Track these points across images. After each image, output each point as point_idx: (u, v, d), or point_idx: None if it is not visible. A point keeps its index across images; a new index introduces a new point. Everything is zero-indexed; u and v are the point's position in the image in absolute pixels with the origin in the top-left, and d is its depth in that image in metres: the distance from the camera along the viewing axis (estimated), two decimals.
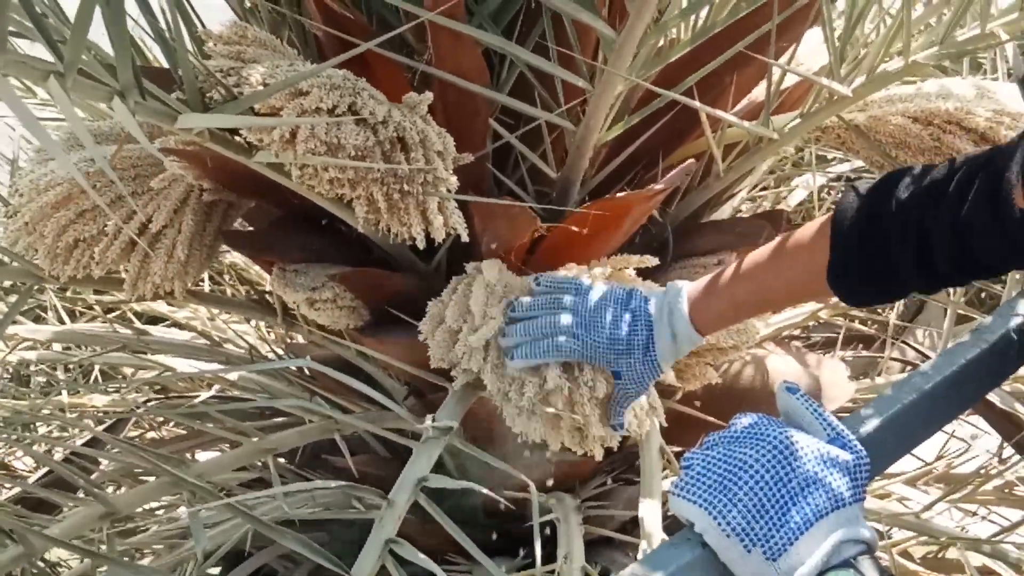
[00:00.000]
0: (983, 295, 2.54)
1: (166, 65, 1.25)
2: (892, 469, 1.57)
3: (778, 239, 1.23)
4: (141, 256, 1.50)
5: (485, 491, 1.24)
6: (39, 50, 1.07)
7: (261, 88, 1.17)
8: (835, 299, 1.23)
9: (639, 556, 1.43)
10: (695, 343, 1.28)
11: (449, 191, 1.28)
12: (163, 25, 1.24)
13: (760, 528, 0.89)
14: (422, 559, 1.19)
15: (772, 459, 0.92)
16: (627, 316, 1.28)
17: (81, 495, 1.52)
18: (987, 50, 1.46)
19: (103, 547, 1.41)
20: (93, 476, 2.01)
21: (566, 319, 1.29)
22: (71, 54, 0.98)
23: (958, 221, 1.02)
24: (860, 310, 2.12)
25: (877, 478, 1.74)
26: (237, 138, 1.24)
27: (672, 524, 1.86)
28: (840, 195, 1.15)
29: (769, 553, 0.88)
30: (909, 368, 2.23)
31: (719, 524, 0.91)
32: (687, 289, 1.28)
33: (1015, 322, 1.06)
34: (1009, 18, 1.39)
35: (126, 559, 1.74)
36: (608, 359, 1.28)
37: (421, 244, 1.30)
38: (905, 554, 1.84)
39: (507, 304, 1.35)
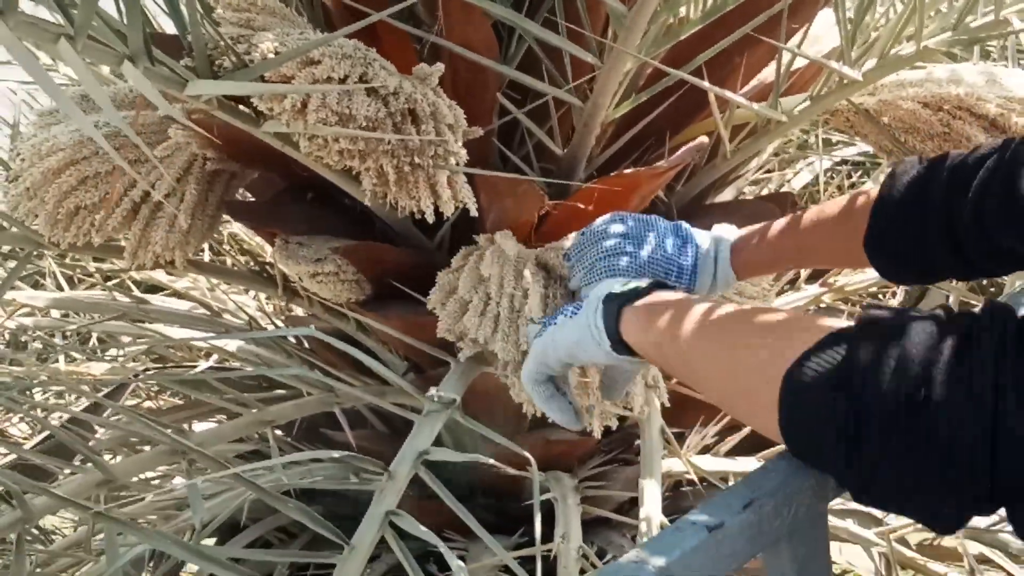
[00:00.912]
0: (984, 282, 2.54)
1: (175, 32, 1.24)
2: None
3: (831, 202, 1.21)
4: (142, 224, 1.49)
5: (491, 461, 1.24)
6: (42, 12, 1.06)
7: (272, 56, 1.16)
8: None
9: (637, 536, 1.43)
10: (729, 285, 1.27)
11: (459, 164, 1.27)
12: None
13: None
14: (423, 531, 1.19)
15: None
16: (678, 241, 1.26)
17: (77, 462, 1.52)
18: (1002, 37, 1.45)
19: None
20: (91, 443, 2.01)
21: (617, 240, 1.27)
22: (82, 17, 0.97)
23: (981, 211, 1.01)
24: (861, 294, 2.11)
25: None
26: (244, 107, 1.23)
27: (670, 505, 1.87)
28: (890, 172, 1.13)
29: (569, 313, 1.15)
30: None
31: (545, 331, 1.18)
32: (732, 233, 1.28)
33: (1021, 312, 1.04)
34: (1022, 5, 1.39)
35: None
36: (657, 275, 1.24)
37: (430, 218, 1.29)
38: (902, 541, 1.84)
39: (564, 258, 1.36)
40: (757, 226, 1.26)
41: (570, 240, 1.36)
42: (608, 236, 1.28)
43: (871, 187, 1.18)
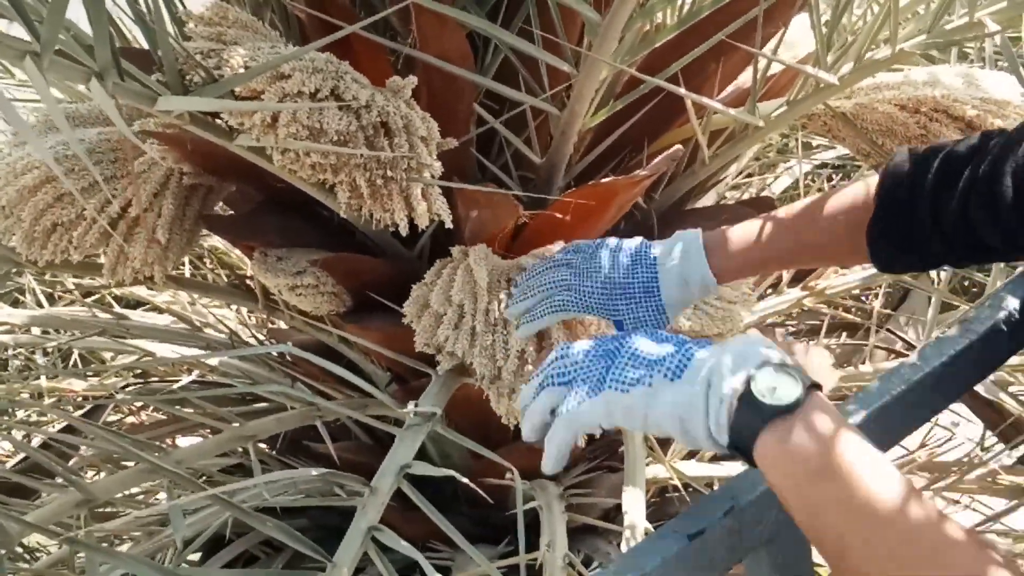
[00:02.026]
0: (966, 283, 2.55)
1: (146, 47, 1.23)
2: None
3: (818, 196, 1.20)
4: (120, 240, 1.48)
5: (465, 480, 1.23)
6: (16, 30, 1.06)
7: (242, 71, 1.15)
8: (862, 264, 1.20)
9: (622, 544, 1.43)
10: (709, 290, 1.20)
11: (433, 177, 1.27)
12: (143, 5, 1.22)
13: (651, 364, 0.90)
14: (404, 546, 1.18)
15: (634, 333, 0.96)
16: (625, 260, 1.21)
17: (60, 480, 1.51)
18: (977, 39, 1.45)
19: (81, 534, 1.39)
20: (72, 461, 2.00)
21: (560, 273, 1.25)
22: (48, 33, 0.96)
23: (967, 205, 1.02)
24: (843, 297, 2.12)
25: None
26: (218, 121, 1.23)
27: (655, 512, 1.87)
28: (893, 156, 1.12)
29: (671, 375, 0.88)
30: (894, 356, 2.23)
31: (615, 389, 0.91)
32: (705, 234, 1.21)
33: (1002, 314, 1.05)
34: (997, 7, 1.39)
35: (104, 545, 1.72)
36: (604, 304, 1.20)
37: (404, 230, 1.28)
38: None
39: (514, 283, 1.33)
40: (736, 228, 1.21)
41: (555, 249, 1.35)
42: (554, 269, 1.26)
43: (868, 177, 1.16)
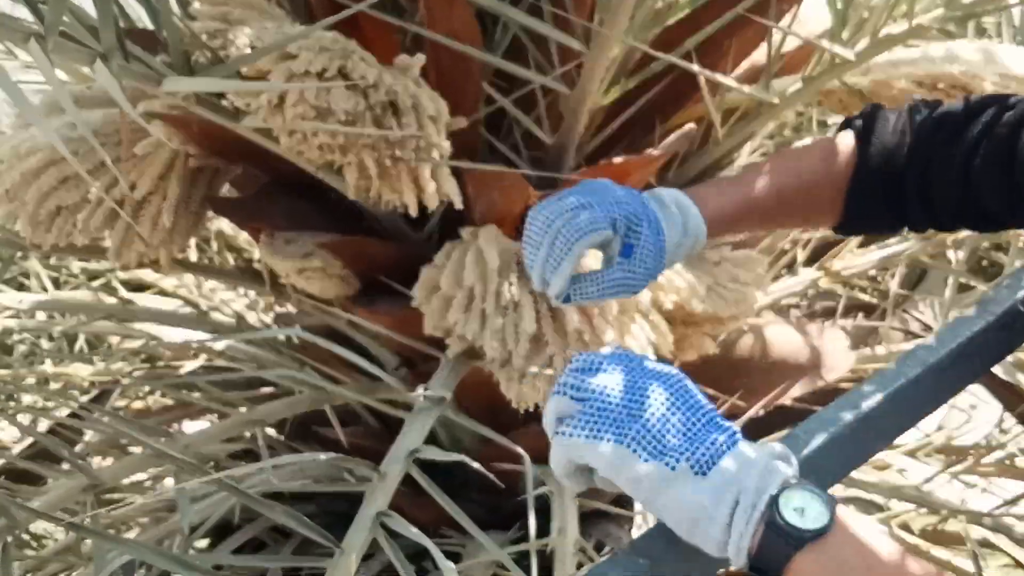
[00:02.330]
0: (984, 263, 2.52)
1: (151, 27, 1.22)
2: None
3: (798, 148, 1.18)
4: (125, 223, 1.47)
5: (476, 465, 1.21)
6: (21, 11, 1.04)
7: (248, 51, 1.13)
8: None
9: (634, 529, 1.41)
10: (701, 241, 1.12)
11: (442, 157, 1.25)
12: None
13: (679, 445, 0.81)
14: (414, 532, 1.16)
15: (673, 384, 0.85)
16: (633, 194, 1.10)
17: (65, 466, 1.50)
18: (995, 12, 1.43)
19: (87, 520, 1.38)
20: (78, 447, 1.99)
21: (573, 198, 1.07)
22: (52, 15, 0.95)
23: (969, 170, 1.01)
24: (859, 278, 2.09)
25: None
26: (224, 102, 1.21)
27: None
28: (869, 112, 1.11)
29: (697, 467, 0.80)
30: (910, 337, 2.21)
31: (631, 448, 0.81)
32: (687, 189, 1.14)
33: (1022, 294, 1.03)
34: None
35: (110, 531, 1.71)
36: (625, 221, 1.06)
37: (414, 211, 1.27)
38: (905, 526, 1.83)
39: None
40: (713, 181, 1.19)
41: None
42: (560, 199, 1.08)
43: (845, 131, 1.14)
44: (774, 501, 0.77)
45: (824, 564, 0.76)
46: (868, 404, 0.95)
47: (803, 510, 0.77)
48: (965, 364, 1.03)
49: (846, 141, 1.13)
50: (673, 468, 0.80)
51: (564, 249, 1.04)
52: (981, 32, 2.11)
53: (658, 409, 0.83)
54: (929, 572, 0.76)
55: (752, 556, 0.78)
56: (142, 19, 1.98)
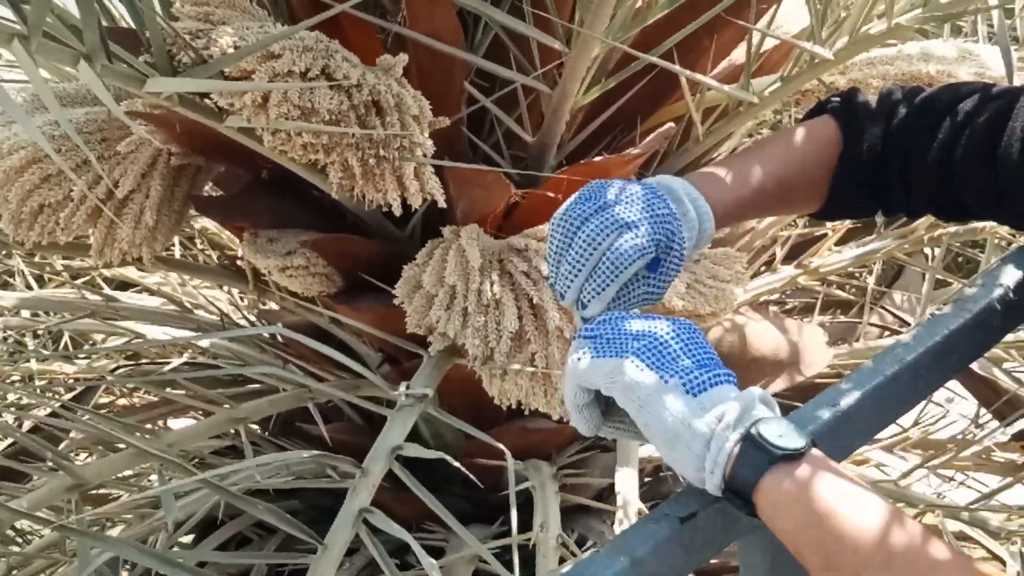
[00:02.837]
0: (960, 259, 2.54)
1: (133, 26, 1.22)
2: None
3: (782, 135, 1.15)
4: (108, 222, 1.47)
5: (456, 464, 1.22)
6: (4, 11, 1.04)
7: (231, 51, 1.14)
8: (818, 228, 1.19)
9: (615, 525, 1.42)
10: (708, 237, 1.06)
11: (425, 156, 1.26)
12: None
13: (678, 365, 0.86)
14: (396, 528, 1.17)
15: (682, 325, 0.90)
16: (658, 197, 1.01)
17: (50, 464, 1.50)
18: (972, 13, 1.44)
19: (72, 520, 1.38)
20: (64, 444, 1.99)
21: (608, 214, 0.98)
22: (35, 16, 0.95)
23: (949, 160, 1.01)
24: (837, 274, 2.11)
25: None
26: (207, 102, 1.22)
27: (649, 492, 1.87)
28: (848, 96, 1.11)
29: (689, 386, 0.85)
30: (888, 333, 2.23)
31: (631, 358, 0.87)
32: (687, 176, 1.06)
33: (998, 292, 1.04)
34: None
35: (95, 529, 1.72)
36: (667, 235, 0.99)
37: (397, 210, 1.27)
38: None
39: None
40: (716, 170, 1.09)
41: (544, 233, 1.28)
42: (606, 209, 0.98)
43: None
44: (755, 424, 0.82)
45: (793, 484, 0.80)
46: (846, 401, 0.96)
47: (781, 436, 0.81)
48: (942, 361, 1.04)
49: (827, 124, 1.11)
50: (666, 381, 0.85)
51: (609, 276, 0.96)
52: (957, 31, 2.12)
53: (663, 334, 0.88)
54: (894, 516, 0.77)
55: (727, 475, 0.83)
56: (125, 19, 1.98)
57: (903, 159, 1.05)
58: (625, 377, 0.87)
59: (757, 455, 0.81)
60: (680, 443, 0.84)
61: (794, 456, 0.80)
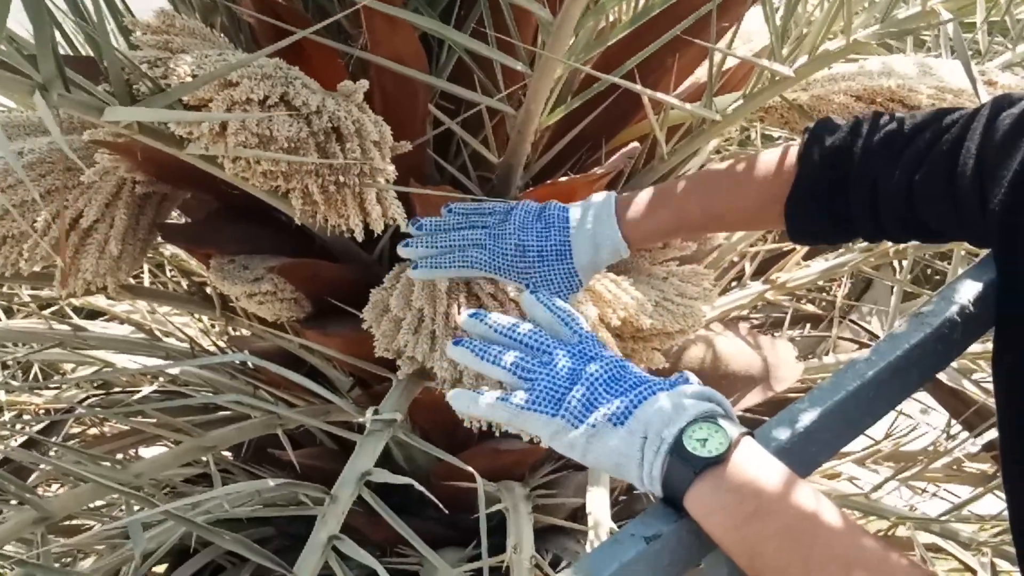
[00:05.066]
0: (928, 271, 2.56)
1: (91, 53, 1.22)
2: None
3: (734, 162, 1.21)
4: (72, 252, 1.46)
5: (421, 489, 1.22)
6: None
7: (189, 79, 1.13)
8: (786, 244, 1.23)
9: (587, 546, 1.42)
10: (619, 254, 1.22)
11: (387, 181, 1.26)
12: (87, 14, 1.20)
13: (600, 404, 0.95)
14: (364, 556, 1.17)
15: (604, 363, 0.99)
16: (539, 224, 1.23)
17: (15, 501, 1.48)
18: (929, 27, 1.45)
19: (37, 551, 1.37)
20: (34, 475, 1.97)
21: (475, 233, 1.26)
22: None
23: (911, 183, 1.03)
24: (806, 289, 2.12)
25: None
26: (168, 129, 1.21)
27: (621, 512, 1.87)
28: (814, 128, 1.14)
29: (615, 419, 0.92)
30: (858, 347, 2.24)
31: (564, 420, 0.95)
32: (618, 198, 1.23)
33: (957, 305, 1.05)
34: None
35: (66, 561, 1.70)
36: (518, 268, 1.23)
37: (360, 236, 1.27)
38: None
39: (414, 223, 1.32)
40: (647, 191, 1.23)
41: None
42: (467, 228, 1.27)
43: (788, 146, 1.17)
44: (680, 434, 0.88)
45: (716, 488, 0.85)
46: (808, 417, 0.96)
47: (705, 441, 0.87)
48: (903, 376, 1.04)
49: (789, 157, 1.16)
50: (594, 426, 0.93)
51: (444, 264, 1.27)
52: (920, 45, 2.14)
53: (585, 381, 0.97)
54: (818, 504, 0.82)
55: (663, 490, 0.89)
56: (82, 45, 1.98)
57: (869, 188, 1.07)
58: (564, 440, 0.96)
59: (682, 468, 0.87)
60: (622, 470, 0.92)
61: (718, 461, 0.86)
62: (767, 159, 1.18)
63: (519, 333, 1.07)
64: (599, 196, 1.24)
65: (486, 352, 1.06)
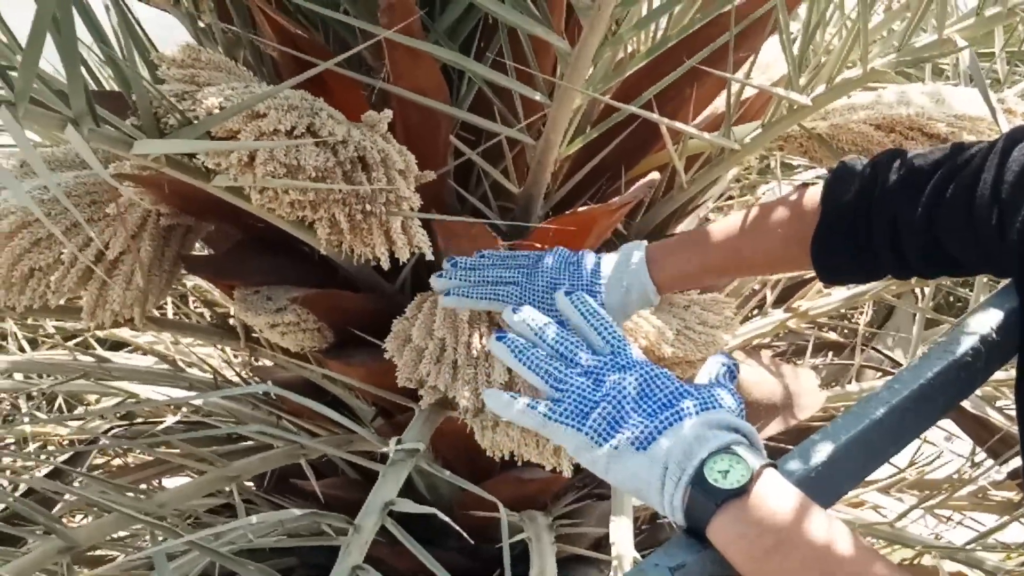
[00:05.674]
0: (951, 299, 2.55)
1: (118, 88, 1.23)
2: None
3: (758, 206, 1.22)
4: (99, 284, 1.47)
5: (445, 518, 1.22)
6: None
7: (217, 111, 1.15)
8: (809, 278, 1.24)
9: (611, 573, 1.42)
10: (649, 299, 1.25)
11: (412, 209, 1.27)
12: (115, 50, 1.22)
13: (627, 424, 0.95)
14: None
15: (640, 374, 1.00)
16: (571, 267, 1.26)
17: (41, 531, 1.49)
18: (946, 56, 1.46)
19: None
20: (59, 506, 1.98)
21: (508, 272, 1.29)
22: (22, 83, 0.96)
23: (933, 222, 1.04)
24: (828, 317, 2.12)
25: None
26: (194, 162, 1.23)
27: (645, 541, 1.86)
28: (836, 169, 1.16)
29: (637, 443, 0.93)
30: (880, 374, 2.23)
31: (590, 437, 0.97)
32: (648, 245, 1.26)
33: (980, 333, 1.05)
34: (965, 23, 1.40)
35: None
36: (548, 304, 1.24)
37: (385, 264, 1.28)
38: None
39: (449, 261, 1.35)
40: (676, 237, 1.28)
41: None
42: (502, 267, 1.31)
43: (809, 188, 1.18)
44: (702, 465, 0.88)
45: (737, 520, 0.86)
46: (832, 447, 0.96)
47: (727, 472, 0.87)
48: (927, 404, 1.04)
49: (811, 198, 1.17)
50: (616, 448, 0.94)
51: (476, 296, 1.30)
52: (939, 73, 2.15)
53: (614, 398, 0.98)
54: (840, 536, 0.82)
55: (685, 521, 0.90)
56: (109, 80, 2.00)
57: (890, 224, 1.08)
58: (587, 455, 0.98)
59: (703, 500, 0.87)
60: (642, 494, 0.94)
61: (740, 493, 0.86)
62: (789, 202, 1.20)
63: (549, 336, 1.09)
64: (633, 243, 1.27)
65: (524, 354, 1.08)
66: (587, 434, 0.97)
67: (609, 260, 1.27)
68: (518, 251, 1.35)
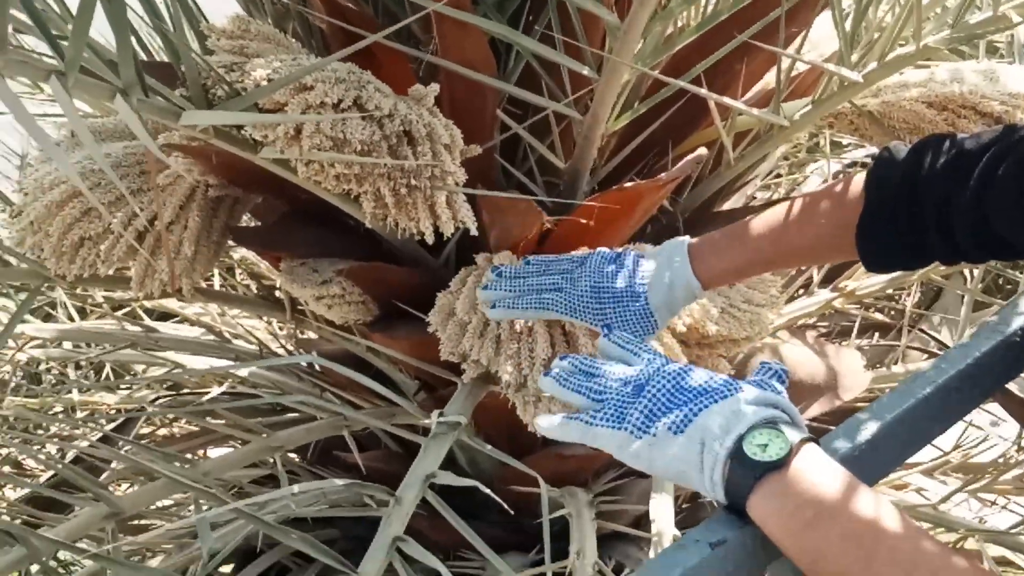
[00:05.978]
0: (1000, 280, 2.52)
1: (168, 59, 1.24)
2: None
3: (801, 196, 1.21)
4: (147, 254, 1.49)
5: (487, 491, 1.23)
6: (42, 47, 1.06)
7: (265, 83, 1.15)
8: (854, 261, 1.23)
9: (651, 553, 1.42)
10: (694, 295, 1.25)
11: (457, 184, 1.27)
12: (165, 20, 1.22)
13: (661, 413, 0.96)
14: (428, 558, 1.18)
15: (667, 374, 1.00)
16: (613, 267, 1.26)
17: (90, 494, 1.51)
18: (1001, 32, 1.44)
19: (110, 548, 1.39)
20: (106, 474, 2.01)
21: (552, 278, 1.31)
22: (72, 52, 0.97)
23: (983, 201, 1.02)
24: (875, 297, 2.09)
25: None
26: (242, 134, 1.23)
27: (685, 519, 1.86)
28: (879, 155, 1.14)
29: (675, 428, 0.93)
30: (927, 356, 2.21)
31: (629, 432, 0.97)
32: (690, 241, 1.26)
33: None
34: (1020, 0, 1.37)
35: (134, 559, 1.73)
36: (594, 309, 1.26)
37: (430, 239, 1.28)
38: None
39: (493, 271, 1.36)
40: (718, 232, 1.26)
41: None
42: (545, 274, 1.32)
43: (853, 175, 1.17)
44: (740, 440, 0.88)
45: (776, 493, 0.85)
46: (877, 425, 0.96)
47: (766, 446, 0.87)
48: (974, 384, 1.03)
49: (855, 185, 1.16)
50: (655, 435, 0.94)
51: (522, 306, 1.31)
52: (993, 51, 2.11)
53: (647, 394, 0.98)
54: (879, 509, 0.81)
55: (725, 493, 0.89)
56: (159, 50, 2.01)
57: (939, 208, 1.06)
58: (629, 451, 0.97)
59: (743, 473, 0.87)
60: (684, 477, 0.93)
61: (779, 465, 0.85)
62: (833, 190, 1.18)
63: (593, 366, 1.10)
64: (676, 239, 1.27)
65: (567, 381, 1.09)
66: (626, 429, 0.97)
67: (650, 258, 1.27)
68: (561, 256, 1.36)
